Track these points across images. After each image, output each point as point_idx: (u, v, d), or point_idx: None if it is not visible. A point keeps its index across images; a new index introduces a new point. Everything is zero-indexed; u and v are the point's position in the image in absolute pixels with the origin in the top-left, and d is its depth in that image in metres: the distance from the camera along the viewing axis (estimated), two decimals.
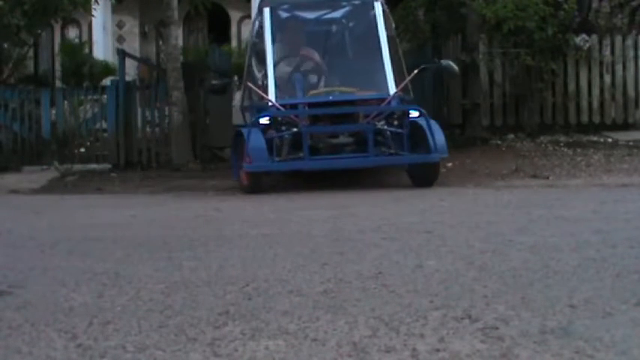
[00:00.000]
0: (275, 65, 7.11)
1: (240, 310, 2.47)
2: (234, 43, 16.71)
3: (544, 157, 8.44)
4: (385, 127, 6.80)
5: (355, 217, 4.89)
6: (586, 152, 8.61)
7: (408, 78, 7.19)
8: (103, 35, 16.18)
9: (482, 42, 9.92)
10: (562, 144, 9.21)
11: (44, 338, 2.23)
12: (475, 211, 5.15)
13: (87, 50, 15.69)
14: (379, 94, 7.00)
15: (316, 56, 7.64)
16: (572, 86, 10.12)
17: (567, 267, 2.98)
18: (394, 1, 8.43)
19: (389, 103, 6.89)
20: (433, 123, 6.70)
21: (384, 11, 7.43)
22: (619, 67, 10.17)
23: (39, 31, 11.66)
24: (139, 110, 10.07)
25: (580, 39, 9.98)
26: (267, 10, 7.41)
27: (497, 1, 9.40)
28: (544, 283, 2.72)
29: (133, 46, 16.64)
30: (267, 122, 6.83)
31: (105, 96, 10.15)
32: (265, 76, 7.11)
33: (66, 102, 10.23)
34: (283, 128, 6.81)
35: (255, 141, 6.61)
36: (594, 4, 10.82)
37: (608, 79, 10.17)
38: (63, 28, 16.71)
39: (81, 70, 14.69)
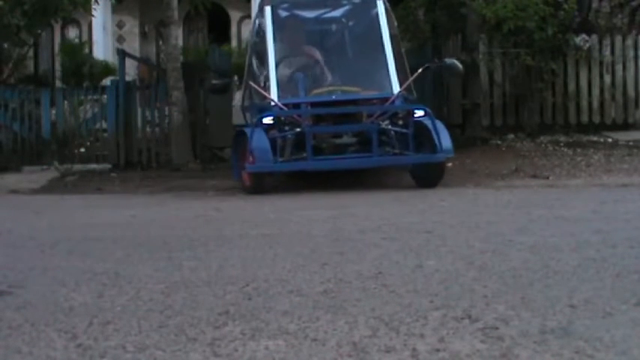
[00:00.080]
0: (277, 64, 7.04)
1: (240, 310, 2.47)
2: (234, 43, 16.71)
3: (544, 157, 8.44)
4: (389, 126, 6.74)
5: (355, 217, 4.89)
6: (586, 152, 8.61)
7: (413, 77, 7.12)
8: (103, 35, 16.18)
9: (482, 42, 9.91)
10: (562, 144, 9.21)
11: (44, 338, 2.23)
12: (475, 211, 5.15)
13: (87, 50, 15.69)
14: (383, 93, 6.94)
15: (318, 55, 7.56)
16: (572, 86, 10.11)
17: (567, 267, 2.98)
18: (394, 1, 8.42)
19: (393, 102, 6.82)
20: (438, 123, 6.64)
21: (386, 9, 7.36)
22: (619, 67, 10.16)
23: (39, 31, 11.65)
24: (139, 110, 10.06)
25: (580, 39, 9.97)
26: (268, 9, 7.34)
27: (497, 1, 9.39)
28: (544, 283, 2.72)
29: (133, 46, 16.64)
30: (271, 122, 6.75)
31: (105, 96, 10.15)
32: (267, 75, 7.05)
33: (66, 102, 10.23)
34: (286, 128, 6.75)
35: (259, 141, 6.54)
36: (594, 4, 10.81)
37: (608, 79, 10.16)
38: (63, 28, 16.71)
39: (81, 70, 14.69)
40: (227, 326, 2.29)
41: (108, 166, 9.80)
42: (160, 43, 16.38)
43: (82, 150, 10.05)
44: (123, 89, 9.91)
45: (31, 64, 15.53)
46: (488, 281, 2.77)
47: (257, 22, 8.02)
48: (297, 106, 6.96)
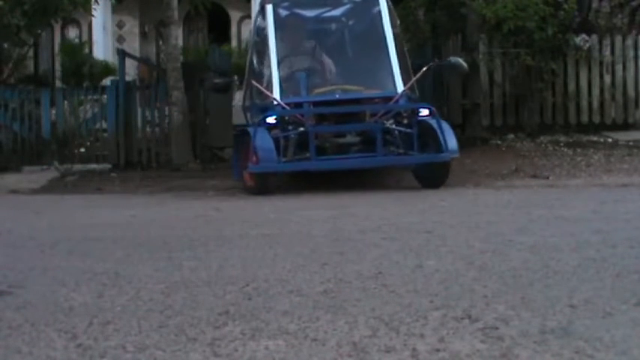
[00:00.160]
0: (279, 63, 6.95)
1: (240, 310, 2.47)
2: (234, 43, 16.72)
3: (544, 157, 8.44)
4: (393, 126, 6.67)
5: (355, 217, 4.89)
6: (586, 152, 8.61)
7: (417, 75, 7.05)
8: (103, 35, 16.19)
9: (482, 42, 9.91)
10: (562, 144, 9.21)
11: (44, 338, 2.23)
12: (475, 211, 5.15)
13: (87, 50, 15.71)
14: (386, 92, 6.86)
15: (321, 54, 7.48)
16: (572, 86, 10.11)
17: (567, 267, 2.98)
18: (394, 1, 8.41)
19: (397, 101, 6.74)
20: (443, 122, 6.59)
21: (389, 8, 7.30)
22: (619, 67, 10.15)
23: (39, 31, 11.65)
24: (139, 110, 10.06)
25: (580, 39, 9.97)
26: (269, 8, 7.26)
27: (497, 1, 9.39)
28: (544, 283, 2.72)
29: (133, 46, 16.65)
30: (274, 121, 6.66)
31: (105, 96, 10.15)
32: (269, 74, 6.96)
33: (66, 102, 10.23)
34: (290, 128, 6.67)
35: (263, 141, 6.46)
36: (594, 4, 10.81)
37: (608, 79, 10.16)
38: (63, 28, 16.73)
39: (81, 70, 14.70)
40: (227, 326, 2.29)
41: (108, 166, 9.80)
42: (160, 43, 16.39)
43: (82, 150, 10.04)
44: (123, 89, 9.91)
45: (31, 64, 15.54)
46: (488, 281, 2.77)
47: (258, 21, 7.93)
48: (299, 105, 6.87)
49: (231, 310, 2.47)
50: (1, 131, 10.19)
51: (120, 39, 17.12)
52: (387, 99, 6.81)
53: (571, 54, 9.99)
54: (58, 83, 14.71)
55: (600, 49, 10.15)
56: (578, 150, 8.79)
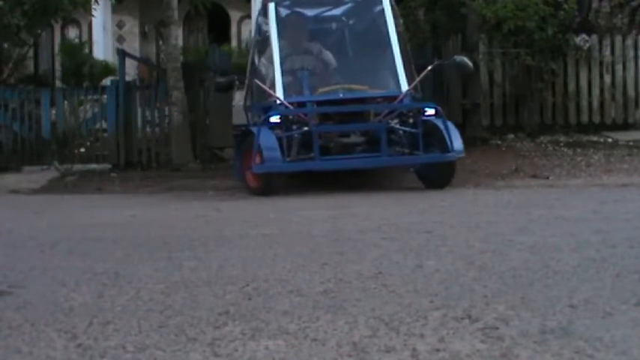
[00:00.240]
0: (282, 63, 6.87)
1: (240, 310, 2.47)
2: (234, 43, 16.73)
3: (544, 157, 8.44)
4: (398, 125, 6.61)
5: (355, 217, 4.88)
6: (586, 152, 8.61)
7: (422, 75, 6.99)
8: (103, 35, 16.19)
9: (482, 42, 9.91)
10: (562, 144, 9.21)
11: (44, 338, 2.23)
12: (475, 211, 5.15)
13: (87, 50, 15.72)
14: (391, 91, 6.80)
15: (324, 53, 7.39)
16: (572, 86, 10.11)
17: (567, 267, 2.98)
18: (394, 1, 8.41)
19: (401, 101, 6.68)
20: (449, 122, 6.54)
21: (392, 6, 7.25)
22: (619, 67, 10.15)
23: (39, 31, 11.67)
24: (139, 110, 10.06)
25: (580, 39, 9.97)
26: (271, 6, 7.21)
27: (497, 1, 9.39)
28: (544, 283, 2.72)
29: (133, 46, 16.66)
30: (278, 121, 6.58)
31: (105, 96, 10.14)
32: (272, 74, 6.89)
33: (66, 102, 10.23)
34: (294, 127, 6.60)
35: (267, 140, 6.38)
36: (594, 4, 10.81)
37: (608, 79, 10.15)
38: (63, 28, 16.74)
39: (81, 70, 14.71)
40: (227, 326, 2.29)
41: (108, 166, 9.79)
42: (160, 43, 16.39)
43: (82, 150, 10.04)
44: (123, 89, 9.91)
45: (31, 64, 15.55)
46: (488, 281, 2.77)
47: (260, 20, 7.87)
48: (303, 104, 6.80)
49: (231, 310, 2.47)
50: (1, 131, 10.19)
51: (120, 39, 17.13)
52: (391, 98, 6.74)
53: (571, 54, 9.99)
54: (58, 83, 14.72)
55: (600, 49, 10.15)
56: (578, 150, 8.79)
